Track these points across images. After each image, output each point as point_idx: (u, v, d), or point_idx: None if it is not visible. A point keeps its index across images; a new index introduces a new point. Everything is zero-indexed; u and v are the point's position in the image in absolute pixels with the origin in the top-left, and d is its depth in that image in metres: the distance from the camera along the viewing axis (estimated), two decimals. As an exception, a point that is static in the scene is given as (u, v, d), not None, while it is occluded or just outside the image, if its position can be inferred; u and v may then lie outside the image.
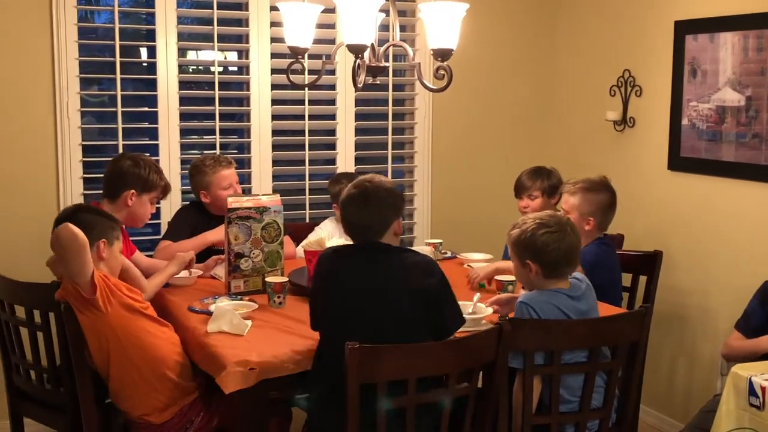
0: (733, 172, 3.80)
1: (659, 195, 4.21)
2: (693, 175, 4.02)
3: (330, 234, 3.84)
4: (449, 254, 3.98)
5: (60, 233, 2.62)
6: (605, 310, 3.08)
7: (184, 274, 3.35)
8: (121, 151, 4.02)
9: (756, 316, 3.25)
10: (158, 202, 3.60)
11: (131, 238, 3.60)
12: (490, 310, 2.95)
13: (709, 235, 3.94)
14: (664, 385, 4.22)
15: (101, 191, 3.45)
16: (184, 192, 4.19)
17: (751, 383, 2.64)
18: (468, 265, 3.72)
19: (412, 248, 2.95)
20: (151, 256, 3.64)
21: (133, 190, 3.34)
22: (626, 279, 3.60)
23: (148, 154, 4.00)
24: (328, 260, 2.66)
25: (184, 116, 4.20)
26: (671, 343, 4.18)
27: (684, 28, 4.01)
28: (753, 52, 3.68)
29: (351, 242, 3.36)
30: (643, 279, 3.66)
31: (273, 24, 4.23)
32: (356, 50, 2.93)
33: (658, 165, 4.21)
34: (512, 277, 3.20)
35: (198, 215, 3.80)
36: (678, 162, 4.09)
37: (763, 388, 2.60)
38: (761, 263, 3.38)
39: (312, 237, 3.64)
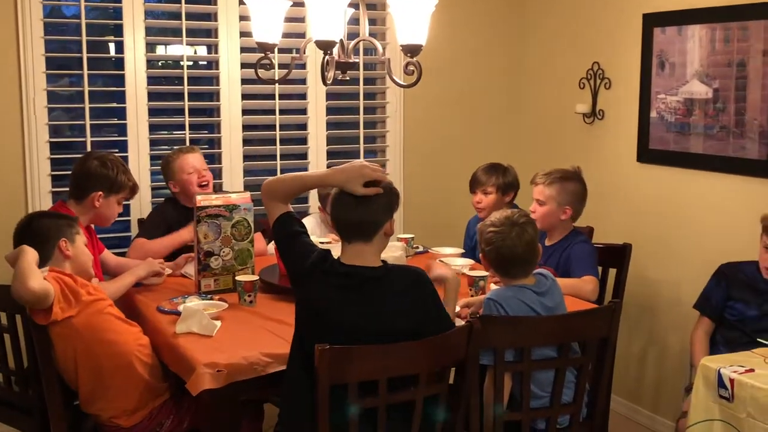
0: (702, 163, 3.80)
1: (628, 187, 4.21)
2: (662, 167, 4.02)
3: (311, 231, 3.79)
4: (421, 249, 3.95)
5: (21, 295, 2.55)
6: (578, 304, 3.07)
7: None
8: (89, 147, 3.95)
9: (713, 295, 3.29)
10: (127, 201, 3.54)
11: (99, 236, 3.54)
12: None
13: (679, 227, 3.95)
14: (635, 375, 4.23)
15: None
16: (153, 189, 4.13)
17: (720, 375, 2.63)
18: (440, 260, 3.68)
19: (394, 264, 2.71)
20: (121, 255, 3.58)
21: (100, 192, 3.28)
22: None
23: (117, 150, 3.94)
24: (315, 291, 2.46)
25: (153, 112, 4.14)
26: (641, 334, 4.19)
27: (652, 21, 4.00)
28: (720, 45, 3.67)
29: (324, 240, 3.30)
30: (612, 271, 3.66)
31: (242, 18, 4.17)
32: (325, 46, 2.89)
33: (627, 157, 4.20)
34: (484, 272, 3.18)
35: (173, 212, 3.75)
36: (647, 154, 4.09)
37: (731, 380, 2.59)
38: (730, 253, 3.38)
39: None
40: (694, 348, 3.29)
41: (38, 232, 2.77)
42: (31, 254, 2.60)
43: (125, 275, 3.15)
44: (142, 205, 4.02)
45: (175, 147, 3.94)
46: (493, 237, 2.75)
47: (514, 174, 3.93)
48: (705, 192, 3.81)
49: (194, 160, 3.75)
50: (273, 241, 3.59)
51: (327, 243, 3.50)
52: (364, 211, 2.42)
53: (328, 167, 4.40)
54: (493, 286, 3.19)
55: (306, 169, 4.38)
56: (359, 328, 2.37)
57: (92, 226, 3.42)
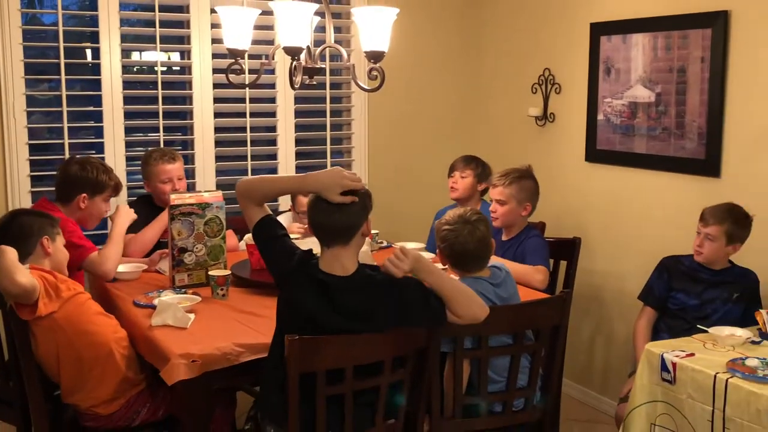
0: (645, 163, 3.84)
1: (577, 185, 4.23)
2: (608, 166, 4.05)
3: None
4: (385, 244, 3.94)
5: (9, 290, 2.51)
6: (532, 294, 3.09)
7: (128, 268, 3.24)
8: (67, 149, 3.89)
9: (656, 286, 3.31)
10: (114, 197, 3.48)
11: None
12: None
13: (624, 222, 3.98)
14: (585, 360, 4.26)
15: (51, 189, 3.35)
16: (129, 188, 4.08)
17: (663, 359, 2.66)
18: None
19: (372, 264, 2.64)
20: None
21: (84, 194, 3.25)
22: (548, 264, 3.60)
23: (93, 152, 3.88)
24: (296, 292, 2.40)
25: (128, 115, 4.08)
26: (590, 322, 4.22)
27: (599, 30, 4.02)
28: (662, 52, 3.71)
29: (295, 236, 3.25)
30: (563, 264, 3.67)
31: (213, 26, 4.12)
32: (292, 52, 2.87)
33: (576, 157, 4.23)
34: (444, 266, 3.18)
35: (148, 208, 3.69)
36: (594, 154, 4.12)
37: (674, 364, 2.62)
38: (671, 247, 3.41)
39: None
40: (637, 336, 3.31)
41: (23, 228, 2.72)
42: (12, 252, 2.55)
43: (114, 237, 3.20)
44: (120, 203, 3.96)
45: (154, 148, 3.86)
46: (448, 234, 2.76)
47: (491, 169, 3.95)
48: (648, 189, 3.85)
49: (172, 171, 3.66)
50: (244, 238, 3.58)
51: (297, 239, 3.48)
52: (341, 216, 2.36)
53: (297, 168, 4.40)
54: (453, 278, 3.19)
55: (276, 170, 4.35)
56: (337, 329, 2.33)
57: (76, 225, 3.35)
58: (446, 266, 2.88)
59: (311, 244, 2.50)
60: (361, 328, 2.33)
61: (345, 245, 2.38)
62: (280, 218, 3.96)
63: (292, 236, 3.41)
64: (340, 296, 2.35)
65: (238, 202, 2.54)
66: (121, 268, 3.24)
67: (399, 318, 2.39)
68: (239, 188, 2.53)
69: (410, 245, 3.80)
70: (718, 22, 3.43)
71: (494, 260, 2.87)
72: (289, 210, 4.06)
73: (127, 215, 3.31)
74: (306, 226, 3.79)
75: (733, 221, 3.10)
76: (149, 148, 3.86)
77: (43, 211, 2.94)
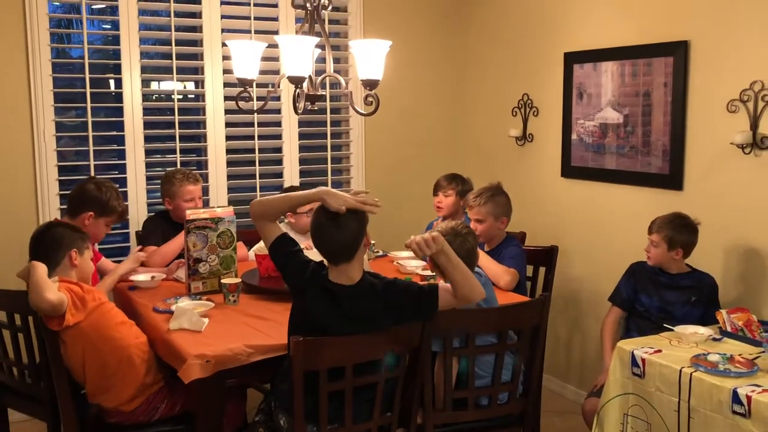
0: (615, 178, 3.84)
1: (554, 198, 4.24)
2: (582, 181, 4.05)
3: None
4: (381, 253, 3.94)
5: (39, 306, 2.49)
6: (514, 298, 3.08)
7: (148, 277, 3.23)
8: (92, 170, 3.89)
9: (624, 289, 3.30)
10: (115, 224, 3.44)
11: (103, 246, 3.47)
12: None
13: (597, 231, 3.98)
14: (563, 357, 4.25)
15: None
16: (149, 205, 4.07)
17: (633, 356, 2.66)
18: (397, 263, 3.69)
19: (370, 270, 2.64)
20: (121, 261, 3.51)
21: (91, 212, 3.19)
22: (529, 270, 3.60)
23: (117, 172, 3.87)
24: (309, 302, 2.41)
25: (148, 138, 4.08)
26: (567, 323, 4.21)
27: (572, 59, 4.04)
28: (629, 78, 3.72)
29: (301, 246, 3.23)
30: (542, 270, 3.67)
31: (225, 58, 4.13)
32: (296, 81, 2.87)
33: (552, 173, 4.23)
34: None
35: (164, 223, 3.68)
36: (569, 170, 4.12)
37: (643, 360, 2.62)
38: (638, 253, 3.41)
39: (262, 242, 3.55)
40: (604, 332, 3.30)
41: (55, 239, 2.69)
42: (41, 268, 2.54)
43: (113, 273, 3.18)
44: (139, 219, 3.96)
45: (177, 168, 3.86)
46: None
47: (471, 184, 3.94)
48: (618, 201, 3.85)
49: (195, 191, 3.66)
50: (253, 249, 3.57)
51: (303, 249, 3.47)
52: (342, 236, 2.36)
53: (300, 185, 4.39)
54: (442, 283, 3.19)
55: (282, 186, 4.34)
56: (344, 332, 2.33)
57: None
58: (435, 273, 2.87)
59: (317, 255, 2.50)
60: (364, 330, 2.35)
61: (350, 261, 2.39)
62: None
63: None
64: (346, 303, 2.37)
65: (254, 223, 2.54)
66: (142, 277, 3.23)
67: (396, 319, 2.41)
68: (254, 210, 2.52)
69: (404, 254, 3.82)
70: (679, 51, 3.44)
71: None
72: (288, 216, 4.00)
73: (134, 262, 3.24)
74: (307, 243, 3.77)
75: (672, 228, 3.11)
76: (168, 169, 3.86)
77: (76, 225, 2.90)
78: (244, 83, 3.01)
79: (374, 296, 2.41)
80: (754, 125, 3.15)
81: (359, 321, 2.37)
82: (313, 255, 2.52)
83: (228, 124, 4.27)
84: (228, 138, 4.28)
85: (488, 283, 2.83)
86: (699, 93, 3.40)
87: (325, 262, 2.45)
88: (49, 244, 2.69)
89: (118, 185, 3.93)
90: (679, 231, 3.11)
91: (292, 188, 4.01)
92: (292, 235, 3.81)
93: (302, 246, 3.55)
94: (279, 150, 4.44)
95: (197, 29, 4.16)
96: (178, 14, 4.09)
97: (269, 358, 2.49)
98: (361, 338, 2.32)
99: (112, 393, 2.62)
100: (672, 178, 3.52)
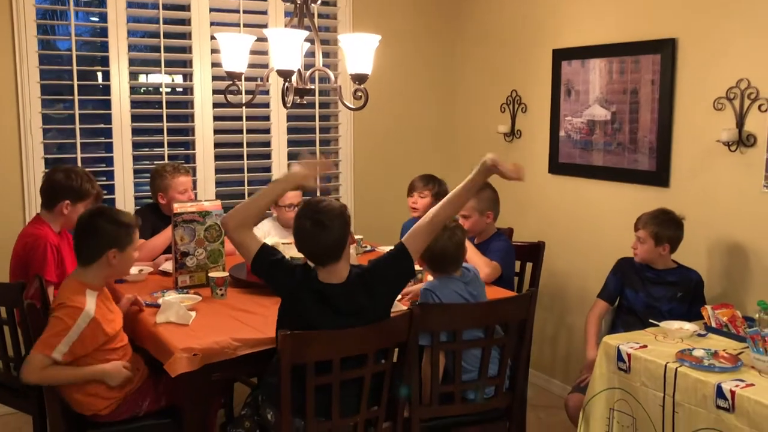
0: (602, 174, 3.85)
1: (542, 194, 4.25)
2: (569, 177, 4.06)
3: (266, 233, 3.75)
4: (369, 248, 3.93)
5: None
6: (501, 293, 3.08)
7: (135, 270, 3.21)
8: (80, 163, 3.86)
9: (611, 284, 3.32)
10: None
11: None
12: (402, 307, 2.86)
13: (584, 227, 3.99)
14: (549, 352, 4.27)
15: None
16: (137, 198, 4.05)
17: (619, 351, 2.67)
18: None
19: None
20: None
21: (67, 201, 3.09)
22: (516, 266, 3.60)
23: (104, 165, 3.84)
24: (300, 304, 2.37)
25: (136, 131, 4.06)
26: (554, 318, 4.22)
27: (560, 56, 4.04)
28: (617, 75, 3.73)
29: (287, 241, 3.23)
30: (529, 265, 3.68)
31: (213, 51, 4.11)
32: (285, 74, 2.86)
33: (540, 169, 4.24)
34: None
35: (153, 216, 3.65)
36: (557, 167, 4.13)
37: (628, 355, 2.63)
38: (625, 249, 3.42)
39: (244, 259, 3.52)
40: (588, 323, 3.30)
41: (97, 232, 2.52)
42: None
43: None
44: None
45: (164, 162, 3.82)
46: (432, 243, 2.73)
47: (446, 187, 3.91)
48: (605, 198, 3.87)
49: (187, 182, 3.64)
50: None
51: (289, 243, 3.46)
52: (326, 237, 2.32)
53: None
54: (429, 278, 3.19)
55: (269, 180, 4.32)
56: (337, 327, 2.34)
57: (70, 237, 3.29)
58: (422, 268, 2.88)
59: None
60: (356, 323, 2.34)
61: (337, 261, 2.38)
62: (262, 224, 3.93)
63: (283, 242, 3.40)
64: (341, 302, 2.36)
65: (232, 237, 2.41)
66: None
67: (388, 294, 2.45)
68: (231, 222, 2.39)
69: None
70: (666, 49, 3.46)
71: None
72: (272, 209, 3.98)
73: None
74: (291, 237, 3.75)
75: (658, 224, 3.13)
76: (156, 163, 3.83)
77: (122, 219, 2.63)
78: (233, 76, 3.00)
79: (364, 287, 2.40)
80: (740, 123, 3.17)
81: (351, 315, 2.36)
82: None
83: (216, 118, 4.25)
84: (216, 132, 4.25)
85: (477, 277, 2.83)
86: (686, 91, 3.42)
87: (310, 263, 2.43)
88: (90, 237, 2.54)
89: (104, 178, 3.94)
90: (665, 226, 3.13)
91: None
92: (278, 231, 3.89)
93: (289, 241, 3.56)
94: (267, 144, 4.42)
95: (186, 22, 4.13)
96: (166, 7, 4.06)
97: (256, 352, 2.47)
98: (349, 332, 2.32)
99: (87, 405, 2.56)
100: (658, 175, 3.54)
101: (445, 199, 2.50)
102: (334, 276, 2.38)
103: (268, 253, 2.42)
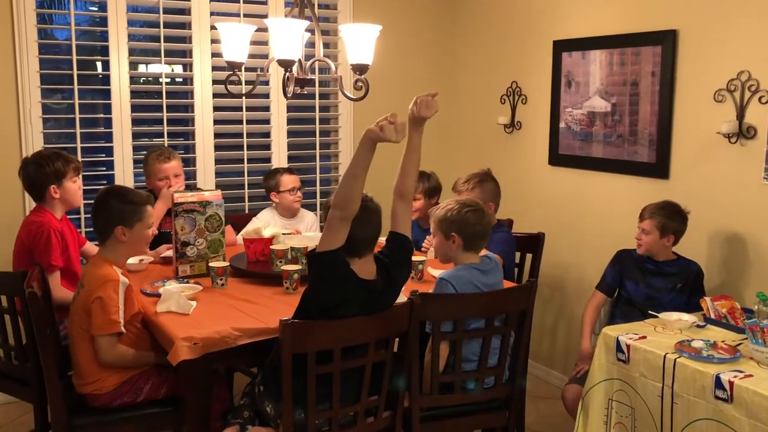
0: (602, 166, 3.85)
1: (542, 186, 4.25)
2: (569, 169, 4.06)
3: (266, 223, 3.75)
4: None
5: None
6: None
7: (136, 260, 3.21)
8: (79, 153, 3.86)
9: (609, 276, 3.32)
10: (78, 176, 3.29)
11: (89, 230, 3.44)
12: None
13: (583, 219, 4.00)
14: (548, 343, 4.28)
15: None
16: (137, 188, 3.99)
17: (618, 342, 2.68)
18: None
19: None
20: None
21: (52, 186, 3.11)
22: (516, 257, 3.61)
23: (104, 155, 3.83)
24: (346, 309, 2.35)
25: (135, 122, 4.05)
26: (553, 309, 4.23)
27: (561, 47, 4.04)
28: (617, 67, 3.73)
29: (288, 231, 3.23)
30: (529, 256, 3.68)
31: (214, 41, 4.11)
32: (285, 64, 2.85)
33: (540, 161, 4.24)
34: (423, 257, 3.18)
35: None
36: (557, 158, 4.13)
37: (628, 346, 2.64)
38: (625, 241, 3.43)
39: (250, 226, 3.55)
40: (585, 317, 3.32)
41: (108, 210, 2.64)
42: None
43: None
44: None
45: (153, 148, 3.81)
46: (470, 216, 2.74)
47: (436, 179, 3.88)
48: (605, 189, 3.87)
49: (168, 169, 3.61)
50: (240, 233, 3.55)
51: (289, 234, 3.46)
52: (377, 222, 2.43)
53: (290, 167, 4.35)
54: (430, 269, 3.20)
55: (269, 170, 4.28)
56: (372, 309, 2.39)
57: (70, 222, 3.29)
58: (426, 250, 2.89)
59: (306, 240, 2.49)
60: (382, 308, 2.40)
61: (372, 252, 2.42)
62: (261, 214, 3.93)
63: (284, 232, 3.39)
64: (378, 299, 2.39)
65: (333, 225, 2.29)
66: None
67: (400, 276, 2.49)
68: (338, 204, 2.29)
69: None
70: (667, 41, 3.45)
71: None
72: (271, 197, 3.96)
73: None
74: (293, 228, 3.75)
75: (664, 215, 3.13)
76: (155, 148, 3.82)
77: (129, 197, 2.71)
78: (233, 66, 2.98)
79: (390, 282, 2.44)
80: (741, 115, 3.17)
81: (383, 306, 2.41)
82: (304, 240, 2.51)
83: (216, 108, 4.24)
84: (216, 122, 4.25)
85: (497, 268, 2.83)
86: (686, 82, 3.42)
87: (310, 245, 2.44)
88: (103, 214, 2.66)
89: (104, 168, 3.93)
90: (672, 218, 3.13)
91: (278, 170, 3.99)
92: (279, 221, 3.89)
93: (288, 231, 3.57)
94: (267, 135, 4.42)
95: (186, 12, 4.12)
96: (166, -4, 4.05)
97: (256, 342, 2.48)
98: (350, 322, 2.32)
99: (95, 384, 2.60)
100: (658, 167, 3.54)
101: (399, 171, 2.63)
102: (366, 271, 2.37)
103: (341, 252, 2.31)
